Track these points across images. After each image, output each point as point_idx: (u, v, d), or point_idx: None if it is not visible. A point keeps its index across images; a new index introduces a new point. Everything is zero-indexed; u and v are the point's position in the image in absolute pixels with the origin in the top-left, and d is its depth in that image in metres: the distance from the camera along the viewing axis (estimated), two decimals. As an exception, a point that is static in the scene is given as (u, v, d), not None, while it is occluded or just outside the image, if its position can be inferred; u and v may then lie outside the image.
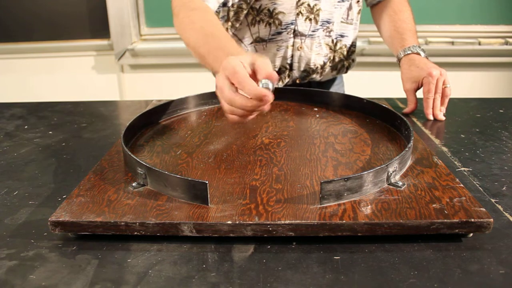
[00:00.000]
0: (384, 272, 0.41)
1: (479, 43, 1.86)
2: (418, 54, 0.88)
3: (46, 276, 0.41)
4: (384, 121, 0.74)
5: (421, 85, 0.85)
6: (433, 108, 0.83)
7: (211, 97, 0.85)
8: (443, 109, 0.84)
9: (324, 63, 0.96)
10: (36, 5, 1.97)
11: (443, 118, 0.83)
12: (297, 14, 0.89)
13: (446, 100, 0.83)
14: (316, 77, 0.97)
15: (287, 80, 0.96)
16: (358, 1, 0.96)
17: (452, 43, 1.87)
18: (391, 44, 0.95)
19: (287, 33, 0.90)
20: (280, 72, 0.94)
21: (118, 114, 0.94)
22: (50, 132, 0.81)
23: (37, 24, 2.00)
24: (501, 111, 0.89)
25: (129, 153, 0.55)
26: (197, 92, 0.84)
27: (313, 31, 0.92)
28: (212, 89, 0.84)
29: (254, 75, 0.54)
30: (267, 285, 0.39)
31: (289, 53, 0.93)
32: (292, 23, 0.90)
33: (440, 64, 0.86)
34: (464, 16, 1.91)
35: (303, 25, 0.91)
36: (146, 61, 2.00)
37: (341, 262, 0.42)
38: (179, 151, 0.64)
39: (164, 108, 0.78)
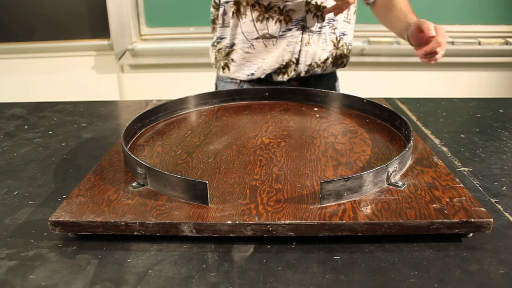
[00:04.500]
0: (384, 272, 0.41)
1: (479, 43, 1.86)
2: None
3: (46, 276, 0.41)
4: (384, 121, 0.74)
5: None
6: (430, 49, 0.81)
7: (211, 97, 0.85)
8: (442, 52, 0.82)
9: (327, 58, 1.00)
10: (36, 5, 1.97)
11: (438, 58, 0.82)
12: (307, 12, 0.92)
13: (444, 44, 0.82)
14: (318, 70, 1.01)
15: (292, 73, 0.98)
16: (354, 2, 0.98)
17: (452, 43, 1.87)
18: (396, 27, 0.98)
19: (297, 30, 0.94)
20: (287, 66, 0.97)
21: (118, 114, 0.94)
22: (50, 132, 0.81)
23: (37, 24, 2.00)
24: (501, 111, 0.89)
25: (129, 153, 0.55)
26: (197, 92, 0.84)
27: (320, 28, 0.96)
28: (211, 89, 0.84)
29: None
30: (267, 285, 0.39)
31: (298, 48, 0.95)
32: (302, 20, 0.93)
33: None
34: (464, 16, 1.91)
35: (311, 22, 0.94)
36: (146, 61, 2.00)
37: (341, 262, 0.42)
38: (179, 151, 0.64)
39: (164, 108, 0.78)
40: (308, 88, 0.86)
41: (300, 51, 0.96)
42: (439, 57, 0.82)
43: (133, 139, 0.69)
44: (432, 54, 0.81)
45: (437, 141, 0.73)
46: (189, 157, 0.62)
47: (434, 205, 0.47)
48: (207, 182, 0.47)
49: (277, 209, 0.47)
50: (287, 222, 0.44)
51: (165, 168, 0.59)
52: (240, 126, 0.74)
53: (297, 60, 0.96)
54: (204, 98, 0.84)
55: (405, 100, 0.96)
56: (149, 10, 1.98)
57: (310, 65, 0.98)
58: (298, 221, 0.44)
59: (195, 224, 0.45)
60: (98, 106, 0.97)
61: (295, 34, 0.94)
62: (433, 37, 0.80)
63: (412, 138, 0.59)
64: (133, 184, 0.53)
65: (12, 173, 0.64)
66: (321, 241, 0.46)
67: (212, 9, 1.03)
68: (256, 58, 0.96)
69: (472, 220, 0.44)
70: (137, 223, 0.45)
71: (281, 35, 0.94)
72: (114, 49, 1.98)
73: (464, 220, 0.44)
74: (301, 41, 0.95)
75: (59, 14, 1.98)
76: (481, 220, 0.44)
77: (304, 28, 0.94)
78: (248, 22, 0.94)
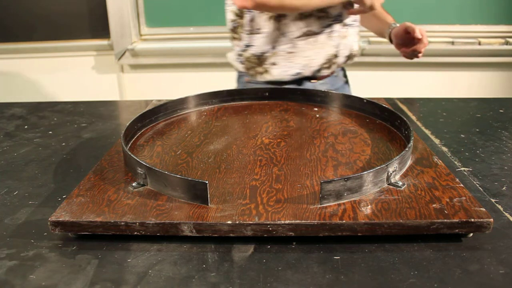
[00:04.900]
0: (384, 272, 0.41)
1: (479, 43, 1.86)
2: None
3: (46, 276, 0.41)
4: (384, 121, 0.74)
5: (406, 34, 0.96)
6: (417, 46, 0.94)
7: (211, 97, 0.85)
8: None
9: (356, 50, 1.05)
10: (36, 5, 1.97)
11: (420, 56, 0.95)
12: (343, 6, 0.95)
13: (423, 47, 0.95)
14: (350, 62, 1.05)
15: (332, 68, 1.01)
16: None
17: (452, 43, 1.87)
18: (374, 27, 1.09)
19: (336, 24, 0.97)
20: (329, 60, 1.00)
21: (118, 114, 0.95)
22: (50, 132, 0.81)
23: (37, 24, 2.00)
24: (501, 111, 0.89)
25: (129, 153, 0.55)
26: (197, 92, 0.84)
27: (353, 21, 1.00)
28: (211, 89, 0.85)
29: None
30: (267, 285, 0.39)
31: (337, 42, 0.98)
32: (339, 15, 0.96)
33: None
34: (464, 16, 1.91)
35: (346, 16, 0.98)
36: (146, 61, 2.00)
37: (341, 262, 0.42)
38: (179, 151, 0.64)
39: (164, 108, 0.78)
40: (308, 88, 0.86)
41: (338, 45, 0.99)
42: (421, 56, 0.95)
43: (133, 139, 0.69)
44: (416, 52, 0.95)
45: (437, 141, 0.73)
46: (189, 157, 0.62)
47: (434, 205, 0.47)
48: (207, 182, 0.47)
49: (277, 209, 0.47)
50: (287, 222, 0.44)
51: (165, 168, 0.59)
52: (240, 126, 0.74)
53: (336, 53, 1.00)
54: (204, 98, 0.84)
55: (405, 100, 0.96)
56: (149, 10, 1.98)
57: (346, 56, 1.02)
58: (298, 221, 0.44)
59: (195, 224, 0.45)
60: (98, 106, 0.97)
61: (335, 28, 0.97)
62: (419, 39, 0.92)
63: (412, 138, 0.59)
64: (133, 184, 0.53)
65: (12, 173, 0.64)
66: (321, 241, 0.46)
67: (232, 17, 1.00)
68: (299, 57, 0.97)
69: (472, 220, 0.44)
70: (137, 223, 0.45)
71: (322, 31, 0.95)
72: (114, 49, 1.98)
73: (464, 220, 0.44)
74: (339, 35, 0.98)
75: (59, 14, 1.98)
76: (481, 220, 0.44)
77: (341, 22, 0.97)
78: (289, 22, 0.94)
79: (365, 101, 0.78)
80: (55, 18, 1.99)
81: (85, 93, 2.09)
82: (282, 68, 0.97)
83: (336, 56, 1.00)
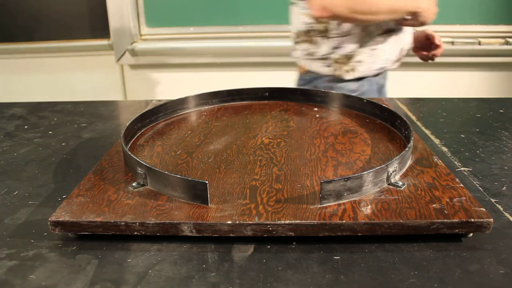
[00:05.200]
0: (384, 272, 0.41)
1: (479, 43, 1.86)
2: None
3: (46, 276, 0.41)
4: (384, 121, 0.74)
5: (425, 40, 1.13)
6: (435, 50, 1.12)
7: (211, 97, 0.85)
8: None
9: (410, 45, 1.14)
10: (36, 5, 1.97)
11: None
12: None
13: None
14: (405, 55, 1.13)
15: (400, 61, 1.09)
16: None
17: (452, 43, 1.87)
18: None
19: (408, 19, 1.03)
20: (400, 54, 1.07)
21: (118, 114, 0.95)
22: (50, 132, 0.81)
23: (37, 24, 2.00)
24: (501, 111, 0.89)
25: (129, 153, 0.55)
26: (197, 92, 0.84)
27: None
28: (211, 89, 0.85)
29: None
30: (267, 285, 0.39)
31: (403, 37, 1.06)
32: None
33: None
34: (464, 16, 1.91)
35: None
36: (146, 61, 2.00)
37: (341, 262, 0.42)
38: (179, 151, 0.64)
39: (164, 108, 0.78)
40: (308, 88, 0.86)
41: (404, 39, 1.07)
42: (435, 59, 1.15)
43: (133, 139, 0.69)
44: (433, 56, 1.14)
45: (437, 141, 0.73)
46: (189, 157, 0.62)
47: (434, 205, 0.47)
48: (207, 182, 0.47)
49: (277, 209, 0.47)
50: (287, 222, 0.44)
51: (165, 168, 0.59)
52: (240, 126, 0.74)
53: (403, 47, 1.08)
54: (204, 98, 0.84)
55: (405, 100, 0.96)
56: (149, 10, 1.98)
57: (407, 50, 1.11)
58: (298, 221, 0.44)
59: (195, 224, 0.45)
60: (98, 106, 0.97)
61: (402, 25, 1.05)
62: (438, 45, 1.11)
63: (412, 138, 0.59)
64: (133, 184, 0.53)
65: (12, 173, 0.64)
66: (321, 241, 0.46)
67: (306, 20, 1.03)
68: (381, 53, 1.04)
69: (472, 220, 0.44)
70: (137, 223, 0.45)
71: (396, 28, 1.04)
72: (114, 49, 1.98)
73: (464, 220, 0.44)
74: (404, 30, 1.06)
75: (59, 14, 1.98)
76: (481, 220, 0.44)
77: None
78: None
79: (365, 101, 0.78)
80: (55, 18, 1.99)
81: (85, 93, 2.09)
82: (367, 65, 1.04)
83: (402, 50, 1.09)
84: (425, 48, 1.14)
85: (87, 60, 2.06)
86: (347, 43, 1.02)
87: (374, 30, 1.01)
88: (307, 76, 1.10)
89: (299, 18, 1.05)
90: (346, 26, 1.00)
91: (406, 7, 0.93)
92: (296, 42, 1.08)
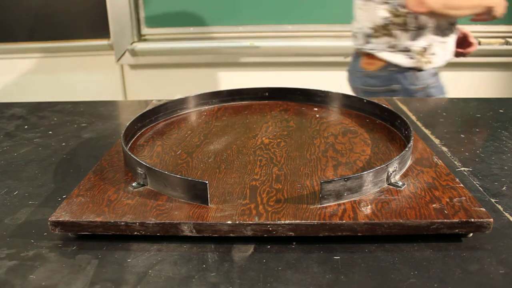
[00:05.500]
0: (384, 272, 0.41)
1: (479, 43, 1.86)
2: None
3: (46, 276, 0.41)
4: (384, 121, 0.74)
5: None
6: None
7: (211, 97, 0.85)
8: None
9: None
10: (36, 5, 1.97)
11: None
12: None
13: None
14: None
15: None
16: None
17: (452, 43, 1.87)
18: None
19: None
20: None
21: (118, 114, 0.95)
22: (50, 132, 0.81)
23: (37, 24, 2.00)
24: (501, 111, 0.89)
25: (129, 153, 0.55)
26: (197, 91, 0.84)
27: None
28: (211, 89, 0.85)
29: None
30: (267, 285, 0.39)
31: (456, 32, 1.15)
32: None
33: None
34: (464, 16, 1.91)
35: None
36: (146, 61, 2.00)
37: (341, 262, 0.42)
38: (179, 151, 0.64)
39: (164, 108, 0.78)
40: (308, 88, 0.86)
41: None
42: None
43: (133, 139, 0.69)
44: (466, 54, 1.22)
45: (437, 141, 0.73)
46: (189, 157, 0.62)
47: (434, 205, 0.47)
48: (207, 182, 0.47)
49: (277, 209, 0.47)
50: (287, 222, 0.44)
51: (165, 168, 0.59)
52: (240, 126, 0.74)
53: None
54: (204, 98, 0.84)
55: (405, 100, 0.96)
56: (149, 10, 1.98)
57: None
58: (298, 221, 0.44)
59: (195, 224, 0.45)
60: (98, 106, 0.97)
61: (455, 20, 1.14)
62: (472, 43, 1.21)
63: (412, 138, 0.59)
64: (133, 184, 0.53)
65: (12, 173, 0.64)
66: (321, 241, 0.46)
67: (385, 15, 1.09)
68: (447, 45, 1.14)
69: (472, 220, 0.44)
70: (137, 223, 0.45)
71: (455, 21, 1.13)
72: (114, 49, 1.98)
73: (464, 220, 0.44)
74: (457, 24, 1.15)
75: (59, 14, 1.98)
76: (481, 220, 0.44)
77: None
78: (424, 17, 1.07)
79: (365, 101, 0.78)
80: (55, 18, 1.99)
81: (85, 93, 2.09)
82: (440, 57, 1.13)
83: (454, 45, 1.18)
84: (459, 45, 1.20)
85: (87, 60, 2.06)
86: (422, 36, 1.09)
87: (443, 23, 1.09)
88: (384, 73, 1.14)
89: (377, 13, 1.10)
90: (423, 19, 1.07)
91: (485, 2, 1.03)
92: (375, 36, 1.13)
